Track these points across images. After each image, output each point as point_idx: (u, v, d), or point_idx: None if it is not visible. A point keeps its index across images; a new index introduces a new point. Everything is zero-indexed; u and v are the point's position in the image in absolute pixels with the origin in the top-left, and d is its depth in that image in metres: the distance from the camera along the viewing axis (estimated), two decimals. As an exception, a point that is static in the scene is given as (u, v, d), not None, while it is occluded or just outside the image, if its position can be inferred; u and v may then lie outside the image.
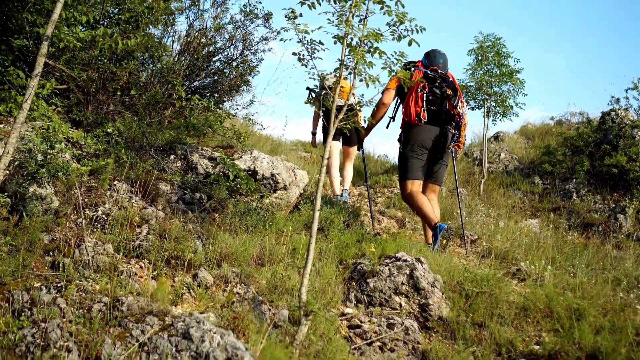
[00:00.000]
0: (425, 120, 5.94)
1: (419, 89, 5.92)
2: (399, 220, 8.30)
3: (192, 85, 7.07)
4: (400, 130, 6.36)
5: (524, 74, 14.82)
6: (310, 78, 4.35)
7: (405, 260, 4.77)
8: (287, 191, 5.83)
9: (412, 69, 6.13)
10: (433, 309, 4.49)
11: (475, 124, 37.85)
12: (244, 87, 7.50)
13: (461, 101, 6.12)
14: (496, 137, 14.69)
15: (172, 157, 5.84)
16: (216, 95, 7.32)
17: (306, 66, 4.38)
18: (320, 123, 8.20)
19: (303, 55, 4.35)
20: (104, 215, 4.56)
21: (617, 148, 11.03)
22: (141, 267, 4.16)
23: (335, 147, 8.47)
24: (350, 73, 4.32)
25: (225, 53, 7.06)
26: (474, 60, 12.09)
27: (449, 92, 5.93)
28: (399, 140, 6.30)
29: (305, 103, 5.95)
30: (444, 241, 5.87)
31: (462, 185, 11.26)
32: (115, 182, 5.06)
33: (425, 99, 5.91)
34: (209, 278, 4.24)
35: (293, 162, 12.06)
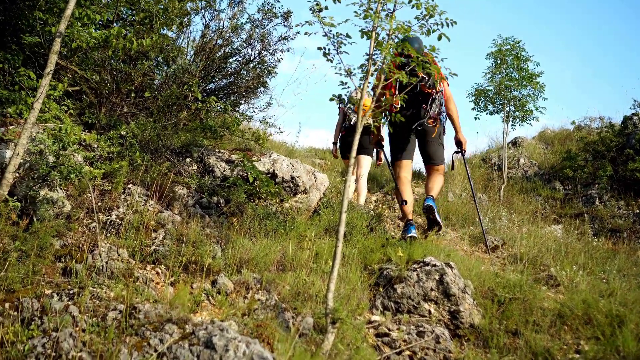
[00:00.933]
0: (399, 106, 5.78)
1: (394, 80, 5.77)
2: (419, 227, 8.04)
3: (208, 87, 6.86)
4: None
5: (543, 77, 14.54)
6: (336, 73, 4.13)
7: (435, 265, 4.53)
8: (308, 195, 5.60)
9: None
10: (464, 315, 4.24)
11: (492, 129, 37.08)
12: (261, 89, 7.30)
13: (441, 80, 5.96)
14: (514, 143, 14.41)
15: (188, 160, 5.63)
16: (232, 97, 7.11)
17: (332, 61, 4.17)
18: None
19: (329, 49, 4.13)
20: (118, 220, 4.35)
21: (641, 152, 10.76)
22: (158, 273, 3.94)
23: (364, 160, 8.32)
24: (376, 70, 4.11)
25: (243, 53, 6.85)
26: (492, 64, 11.86)
27: (420, 74, 5.36)
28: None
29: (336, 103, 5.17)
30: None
31: (481, 191, 11.01)
32: (129, 186, 4.86)
33: (398, 87, 5.84)
34: (229, 284, 4.02)
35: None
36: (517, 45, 11.53)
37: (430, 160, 6.28)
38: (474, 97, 12.10)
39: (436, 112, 6.07)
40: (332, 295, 3.61)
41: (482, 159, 13.63)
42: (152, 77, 5.92)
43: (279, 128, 7.84)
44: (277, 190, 5.20)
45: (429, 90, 5.94)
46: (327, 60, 4.15)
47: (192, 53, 6.51)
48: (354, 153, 3.96)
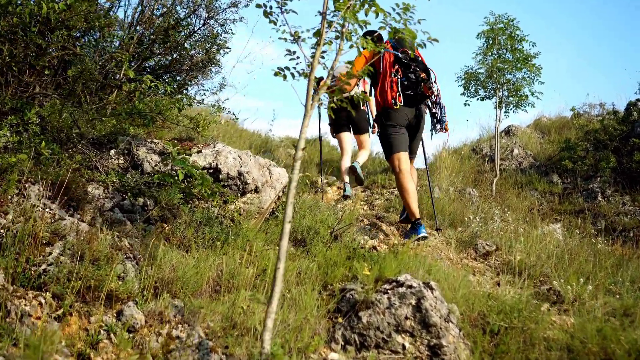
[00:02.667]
0: (402, 103, 6.04)
1: (392, 74, 6.07)
2: (400, 227, 7.20)
3: (147, 65, 5.93)
4: (377, 113, 6.41)
5: (540, 59, 13.72)
6: (280, 39, 3.25)
7: (411, 286, 3.67)
8: (260, 194, 4.71)
9: (376, 42, 6.15)
10: (448, 351, 3.40)
11: (483, 116, 35.76)
12: (212, 67, 6.36)
13: (434, 81, 6.25)
14: (507, 132, 13.59)
15: (112, 152, 4.73)
16: (179, 78, 6.19)
17: (275, 23, 3.29)
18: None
19: (270, 6, 3.26)
20: (2, 230, 3.44)
21: (648, 142, 9.97)
22: (41, 302, 3.04)
23: (345, 137, 8.89)
24: (337, 37, 3.24)
25: (186, 23, 5.88)
26: (483, 44, 10.98)
27: (424, 76, 6.05)
28: (375, 121, 6.71)
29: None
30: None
31: (471, 185, 10.18)
32: (27, 185, 3.95)
33: (400, 84, 6.04)
34: (139, 317, 3.14)
35: (283, 160, 11.01)
36: (511, 23, 10.67)
37: (413, 155, 6.62)
38: (463, 81, 11.23)
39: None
40: (270, 336, 2.75)
41: (472, 149, 12.78)
42: (74, 52, 4.98)
43: (234, 114, 6.83)
44: (216, 188, 4.29)
45: (429, 92, 6.11)
46: (270, 22, 3.28)
47: (127, 23, 5.58)
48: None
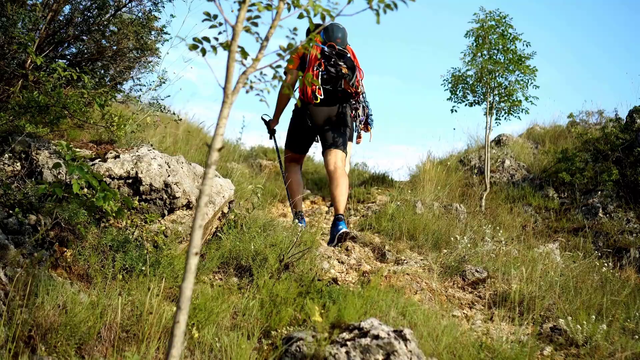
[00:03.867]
0: (322, 97, 5.98)
1: (315, 67, 6.02)
2: (376, 249, 6.35)
3: (65, 53, 5.01)
4: (295, 105, 6.47)
5: (535, 60, 12.98)
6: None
7: (377, 336, 2.80)
8: (194, 210, 3.83)
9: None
10: None
11: (472, 124, 33.43)
12: (148, 57, 5.44)
13: (359, 79, 6.15)
14: (498, 142, 12.80)
15: (7, 156, 3.82)
16: (112, 70, 5.27)
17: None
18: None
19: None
20: None
21: (654, 152, 9.21)
22: None
23: None
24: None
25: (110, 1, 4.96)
26: (473, 43, 10.17)
27: (345, 70, 6.00)
28: (293, 111, 6.46)
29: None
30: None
31: (458, 200, 9.35)
32: None
33: (320, 78, 6.00)
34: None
35: (247, 171, 10.13)
36: (503, 20, 9.87)
37: (338, 146, 6.33)
38: (450, 85, 10.41)
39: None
40: None
41: (460, 160, 11.96)
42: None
43: (174, 114, 5.91)
44: (127, 204, 3.38)
45: (351, 90, 6.06)
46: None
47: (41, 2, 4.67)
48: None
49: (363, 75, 6.26)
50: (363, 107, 6.31)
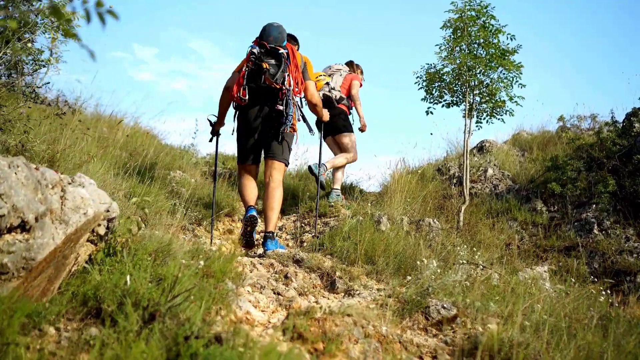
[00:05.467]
0: (246, 98, 6.06)
1: (245, 67, 6.13)
2: (324, 275, 5.30)
3: None
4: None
5: (521, 55, 11.98)
6: None
7: None
8: (32, 234, 2.72)
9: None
10: None
11: (452, 129, 31.25)
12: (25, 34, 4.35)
13: (289, 75, 6.14)
14: (480, 148, 11.80)
15: None
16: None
17: None
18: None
19: None
20: None
21: (656, 160, 8.25)
22: None
23: (345, 138, 8.91)
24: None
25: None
26: (450, 36, 9.14)
27: (266, 65, 6.01)
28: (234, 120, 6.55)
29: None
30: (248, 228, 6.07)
31: (433, 214, 8.32)
32: None
33: (246, 76, 6.08)
34: None
35: (194, 180, 9.07)
36: (485, 10, 8.86)
37: (275, 156, 6.36)
38: (424, 83, 9.36)
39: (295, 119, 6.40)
40: None
41: (438, 168, 10.94)
42: None
43: (58, 105, 4.86)
44: None
45: (276, 86, 6.02)
46: None
47: None
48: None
49: (301, 72, 6.35)
50: (293, 105, 6.23)
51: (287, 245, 7.00)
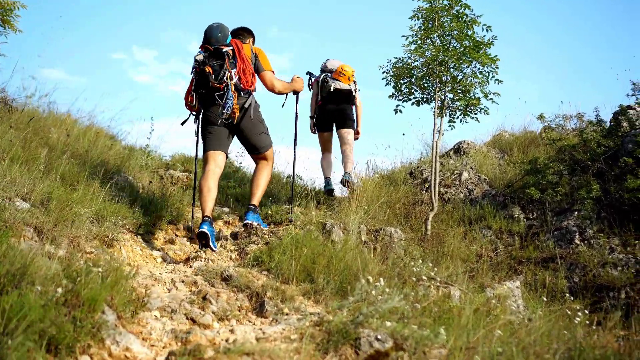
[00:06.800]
0: (195, 103, 6.36)
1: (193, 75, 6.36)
2: (253, 295, 4.64)
3: None
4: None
5: (498, 48, 11.41)
6: None
7: None
8: None
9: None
10: None
11: (428, 129, 30.28)
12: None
13: (232, 70, 6.25)
14: (457, 150, 11.17)
15: None
16: None
17: None
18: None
19: None
20: None
21: (643, 163, 7.67)
22: None
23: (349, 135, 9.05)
24: None
25: None
26: (419, 27, 8.48)
27: (209, 69, 6.13)
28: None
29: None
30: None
31: (398, 223, 7.68)
32: None
33: (195, 84, 6.31)
34: None
35: (141, 184, 8.44)
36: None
37: (259, 151, 6.84)
38: (392, 79, 8.70)
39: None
40: None
41: (410, 172, 10.29)
42: None
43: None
44: None
45: (219, 86, 6.16)
46: None
47: None
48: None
49: (253, 65, 6.52)
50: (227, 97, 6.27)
51: (230, 258, 6.32)
